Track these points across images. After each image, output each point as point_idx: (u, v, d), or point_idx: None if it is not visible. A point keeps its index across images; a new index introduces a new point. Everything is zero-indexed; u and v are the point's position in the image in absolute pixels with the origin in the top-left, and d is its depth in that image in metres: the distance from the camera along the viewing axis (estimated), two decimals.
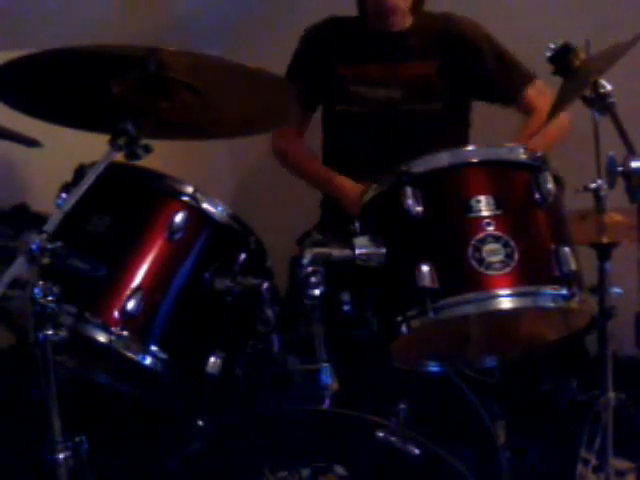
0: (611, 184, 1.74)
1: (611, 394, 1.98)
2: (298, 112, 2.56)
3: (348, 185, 2.43)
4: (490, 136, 2.64)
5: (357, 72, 2.51)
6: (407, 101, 2.49)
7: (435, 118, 2.52)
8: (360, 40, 2.52)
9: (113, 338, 1.71)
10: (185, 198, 1.81)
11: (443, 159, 1.77)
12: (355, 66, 2.51)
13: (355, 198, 2.25)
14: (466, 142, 2.58)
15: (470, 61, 2.50)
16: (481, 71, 2.51)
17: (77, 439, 1.61)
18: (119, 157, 1.69)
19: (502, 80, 2.52)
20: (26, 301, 1.53)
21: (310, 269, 1.66)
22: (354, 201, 2.25)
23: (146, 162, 1.74)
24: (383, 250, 1.73)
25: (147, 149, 1.71)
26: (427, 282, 1.66)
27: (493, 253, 1.66)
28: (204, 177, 2.56)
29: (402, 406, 1.78)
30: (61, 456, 1.58)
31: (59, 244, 1.55)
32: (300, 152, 2.63)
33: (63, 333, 1.56)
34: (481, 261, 1.66)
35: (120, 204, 1.84)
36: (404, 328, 1.70)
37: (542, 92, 2.48)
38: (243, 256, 1.84)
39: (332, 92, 2.55)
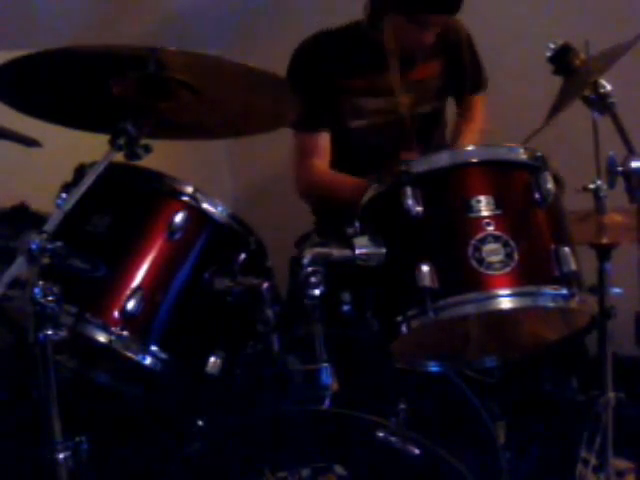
0: (611, 184, 1.74)
1: (611, 394, 1.98)
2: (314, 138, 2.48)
3: None
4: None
5: (363, 85, 2.45)
6: (416, 105, 2.49)
7: (435, 118, 2.54)
8: (361, 52, 2.45)
9: (113, 338, 1.71)
10: (185, 198, 1.81)
11: (443, 159, 1.77)
12: (360, 79, 2.45)
13: None
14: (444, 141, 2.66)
15: (456, 57, 2.55)
16: (460, 66, 2.57)
17: (77, 439, 1.61)
18: (119, 157, 1.69)
19: (470, 74, 2.60)
20: (26, 301, 1.54)
21: (310, 269, 1.66)
22: None
23: (146, 162, 1.74)
24: (383, 250, 1.73)
25: (147, 149, 1.71)
26: (427, 282, 1.66)
27: (493, 253, 1.66)
28: (204, 177, 2.56)
29: (402, 406, 1.78)
30: (61, 456, 1.58)
31: (59, 244, 1.55)
32: (327, 176, 2.49)
33: (63, 333, 1.56)
34: (481, 261, 1.66)
35: (120, 204, 1.84)
36: (404, 328, 1.70)
37: (484, 105, 2.66)
38: (243, 256, 1.84)
39: (337, 108, 2.47)
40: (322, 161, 2.48)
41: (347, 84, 2.46)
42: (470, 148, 1.86)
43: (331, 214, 2.43)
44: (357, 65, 2.46)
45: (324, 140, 2.48)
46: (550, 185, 1.73)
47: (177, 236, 1.79)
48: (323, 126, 2.47)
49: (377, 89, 2.46)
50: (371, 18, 2.42)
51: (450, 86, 2.57)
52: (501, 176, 1.78)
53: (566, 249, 1.69)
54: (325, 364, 1.68)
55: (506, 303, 1.66)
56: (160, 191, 1.83)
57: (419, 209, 1.71)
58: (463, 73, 2.59)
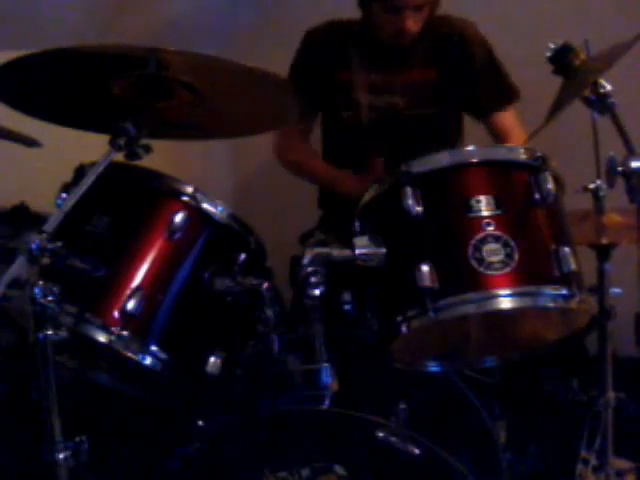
0: (611, 184, 1.74)
1: (611, 394, 1.98)
2: (301, 113, 2.54)
3: (348, 178, 2.42)
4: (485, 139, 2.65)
5: (359, 79, 2.49)
6: (409, 107, 2.49)
7: (434, 123, 2.52)
8: (362, 47, 2.50)
9: (113, 338, 1.71)
10: (185, 198, 1.81)
11: (443, 159, 1.76)
12: (357, 73, 2.49)
13: (355, 188, 2.21)
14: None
15: (464, 64, 2.51)
16: (471, 75, 2.52)
17: (77, 439, 1.61)
18: (119, 157, 1.69)
19: (485, 89, 2.54)
20: (26, 301, 1.54)
21: (310, 269, 1.66)
22: (354, 191, 2.22)
23: (146, 162, 1.74)
24: (383, 250, 1.73)
25: (147, 149, 1.71)
26: (427, 282, 1.66)
27: (493, 253, 1.66)
28: (204, 177, 2.56)
29: (402, 406, 1.78)
30: (61, 456, 1.58)
31: (59, 244, 1.55)
32: (301, 150, 2.63)
33: (63, 333, 1.56)
34: (481, 261, 1.66)
35: (120, 204, 1.84)
36: (404, 328, 1.70)
37: (518, 120, 2.54)
38: (243, 256, 1.84)
39: (332, 98, 2.54)
40: (304, 136, 2.63)
41: (346, 76, 2.50)
42: (470, 148, 1.85)
43: (337, 208, 2.44)
44: (357, 59, 2.50)
45: (312, 118, 2.62)
46: (550, 185, 1.73)
47: (177, 236, 1.79)
48: (315, 109, 2.58)
49: (374, 86, 2.48)
50: (362, 13, 2.46)
51: (449, 92, 2.52)
52: (501, 176, 1.78)
53: (566, 249, 1.69)
54: (325, 364, 1.68)
55: (506, 303, 1.66)
56: (160, 191, 1.83)
57: (419, 209, 1.71)
58: (463, 86, 2.53)
